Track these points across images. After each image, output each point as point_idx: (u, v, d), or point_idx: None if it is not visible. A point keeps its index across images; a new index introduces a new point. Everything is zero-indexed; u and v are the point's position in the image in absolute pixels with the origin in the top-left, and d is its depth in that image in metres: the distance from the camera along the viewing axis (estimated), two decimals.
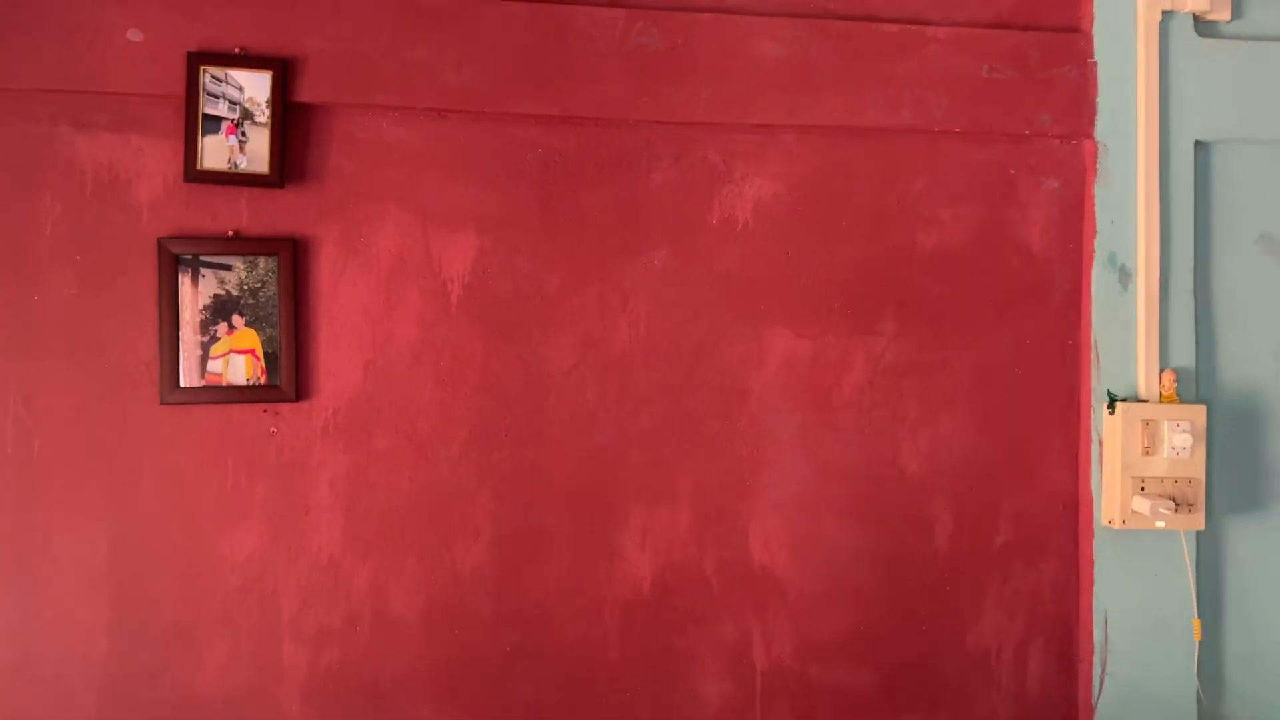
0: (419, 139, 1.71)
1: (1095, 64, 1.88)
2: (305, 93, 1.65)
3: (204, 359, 1.63)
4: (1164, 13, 1.87)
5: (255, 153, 1.63)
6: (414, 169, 1.71)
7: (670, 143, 1.79)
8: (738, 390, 1.80)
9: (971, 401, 1.85)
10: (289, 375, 1.65)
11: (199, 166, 1.62)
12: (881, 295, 1.83)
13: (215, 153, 1.62)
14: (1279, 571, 1.91)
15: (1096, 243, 1.87)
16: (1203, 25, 1.91)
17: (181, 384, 1.62)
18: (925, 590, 1.83)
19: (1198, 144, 1.89)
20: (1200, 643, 1.84)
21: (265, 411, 1.66)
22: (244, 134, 1.63)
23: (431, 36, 1.69)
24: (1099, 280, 1.87)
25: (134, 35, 1.61)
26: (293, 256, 1.66)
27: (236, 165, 1.63)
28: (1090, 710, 1.85)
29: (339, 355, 1.69)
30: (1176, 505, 1.77)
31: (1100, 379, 1.86)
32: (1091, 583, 1.84)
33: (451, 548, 1.72)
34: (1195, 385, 1.87)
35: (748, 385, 1.80)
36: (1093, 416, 1.86)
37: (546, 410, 1.75)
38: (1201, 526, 1.79)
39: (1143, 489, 1.79)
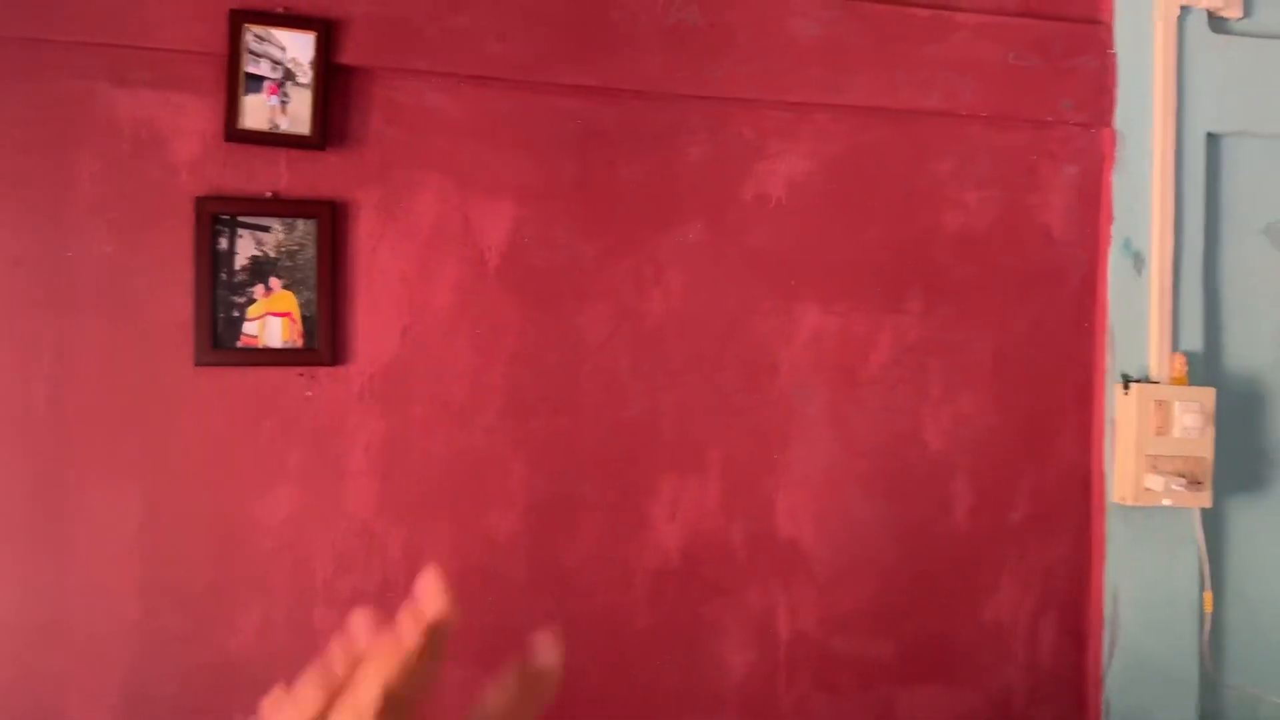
0: (460, 106, 1.71)
1: (1115, 55, 1.93)
2: (348, 55, 1.64)
3: (240, 320, 1.62)
4: (1181, 8, 1.93)
5: (297, 113, 1.62)
6: (454, 136, 1.71)
7: (706, 118, 1.81)
8: (767, 364, 1.82)
9: (992, 380, 1.90)
10: (326, 339, 1.65)
11: (240, 126, 1.60)
12: (908, 274, 1.87)
13: (256, 112, 1.61)
14: (1278, 549, 1.98)
15: (1113, 229, 1.93)
16: (1215, 21, 1.98)
17: (217, 345, 1.61)
18: (945, 564, 1.88)
19: (1209, 136, 1.96)
20: (1207, 614, 1.91)
21: (301, 375, 1.65)
22: (286, 94, 1.61)
23: (475, 4, 1.69)
24: (1115, 265, 1.92)
25: None
26: (331, 219, 1.65)
27: (278, 126, 1.61)
28: (1099, 682, 1.91)
29: (376, 320, 1.68)
30: (1187, 483, 1.83)
31: (1115, 361, 1.91)
32: (1103, 558, 1.90)
33: (486, 515, 1.72)
34: (1203, 369, 1.94)
35: (777, 359, 1.83)
36: (1106, 397, 1.91)
37: (580, 380, 1.76)
38: (1209, 504, 1.86)
39: (1155, 467, 1.85)
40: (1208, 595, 1.89)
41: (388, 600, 1.68)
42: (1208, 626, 1.90)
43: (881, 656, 1.86)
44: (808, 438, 1.83)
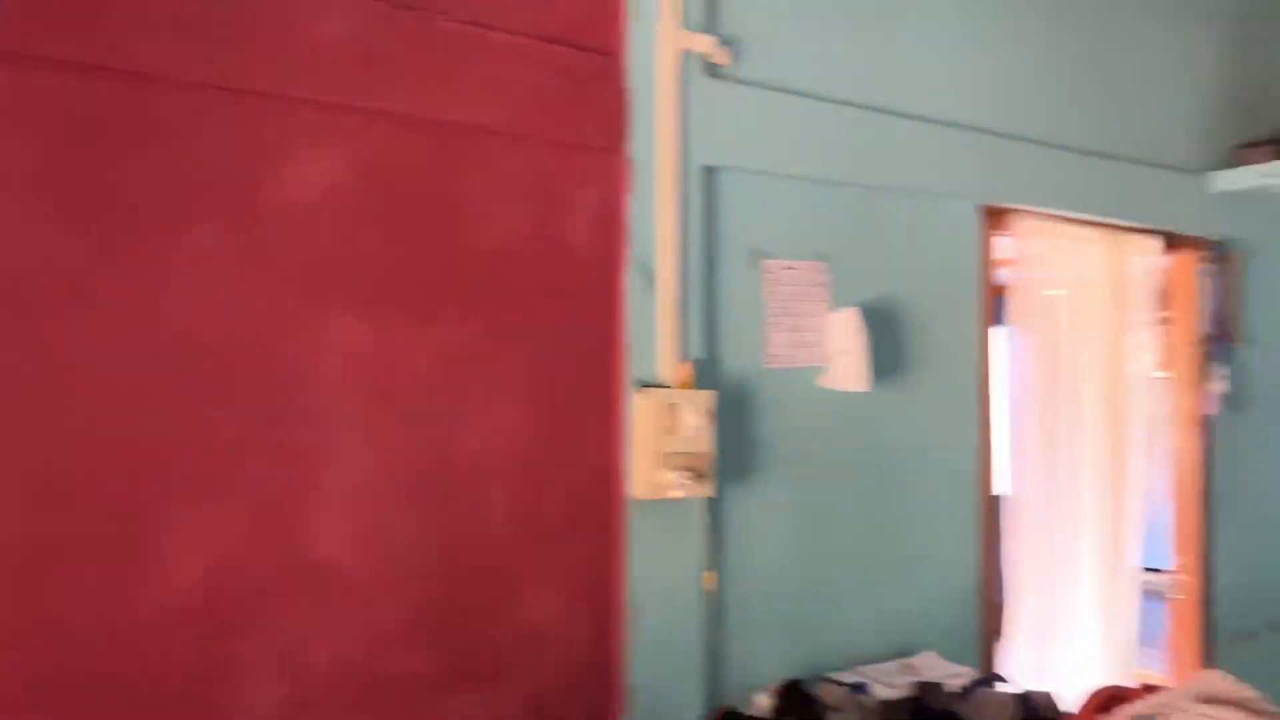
0: None
1: (626, 88, 2.10)
2: None
3: None
4: (684, 51, 2.16)
5: None
6: None
7: (226, 111, 1.66)
8: (297, 377, 1.72)
9: (524, 389, 1.97)
10: None
11: None
12: (443, 285, 1.88)
13: None
14: (765, 529, 2.30)
15: (629, 249, 2.10)
16: (709, 66, 2.23)
17: None
18: (484, 571, 1.91)
19: (707, 169, 2.21)
20: (710, 592, 2.15)
21: None
22: None
23: None
24: (631, 282, 2.10)
25: None
26: None
27: None
28: (621, 666, 2.06)
29: None
30: (693, 476, 2.05)
31: (633, 369, 2.09)
32: (626, 551, 2.06)
33: None
34: (706, 374, 2.18)
35: (308, 371, 1.73)
36: (627, 402, 2.08)
37: (70, 403, 1.52)
38: (712, 493, 2.10)
39: (667, 464, 2.05)
40: (709, 575, 2.14)
41: None
42: (709, 603, 2.15)
43: (422, 671, 1.84)
44: (343, 453, 1.76)
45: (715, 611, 2.20)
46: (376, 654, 1.79)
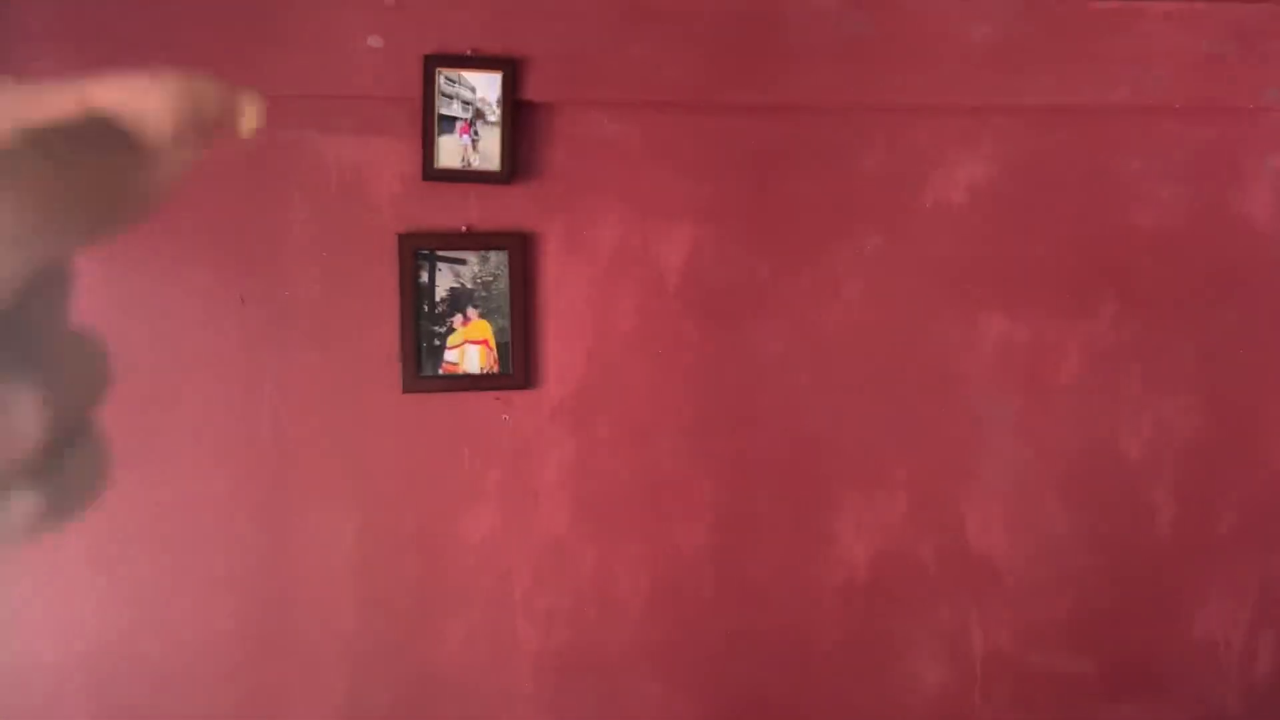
0: (637, 133, 1.76)
1: None
2: (531, 91, 1.71)
3: (441, 349, 1.71)
4: None
5: (487, 151, 1.70)
6: (632, 162, 1.76)
7: (881, 128, 1.79)
8: (952, 375, 1.79)
9: (1194, 384, 1.81)
10: (520, 364, 1.72)
11: (436, 165, 1.69)
12: (1098, 277, 1.81)
13: (450, 152, 1.69)
14: None
15: None
16: None
17: (421, 373, 1.71)
18: (1147, 577, 1.80)
19: None
20: None
21: (498, 399, 1.73)
22: (477, 133, 1.70)
23: (649, 31, 1.73)
24: None
25: (374, 42, 1.69)
26: (521, 250, 1.72)
27: (470, 164, 1.70)
28: None
29: (564, 345, 1.75)
30: None
31: None
32: None
33: (673, 531, 1.76)
34: None
35: (962, 369, 1.79)
36: None
37: (760, 397, 1.78)
38: None
39: None
40: None
41: (581, 614, 1.74)
42: None
43: (1081, 673, 1.80)
44: (997, 449, 1.79)
45: None
46: (1034, 651, 1.79)
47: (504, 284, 1.72)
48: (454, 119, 1.69)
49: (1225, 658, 1.80)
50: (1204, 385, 1.81)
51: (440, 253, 1.71)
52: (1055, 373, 1.80)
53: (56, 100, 0.25)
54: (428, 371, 1.71)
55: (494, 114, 1.69)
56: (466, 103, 1.69)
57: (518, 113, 1.72)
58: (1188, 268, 1.81)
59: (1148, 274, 1.81)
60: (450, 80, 1.69)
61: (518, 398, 1.74)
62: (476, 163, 1.70)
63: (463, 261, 1.71)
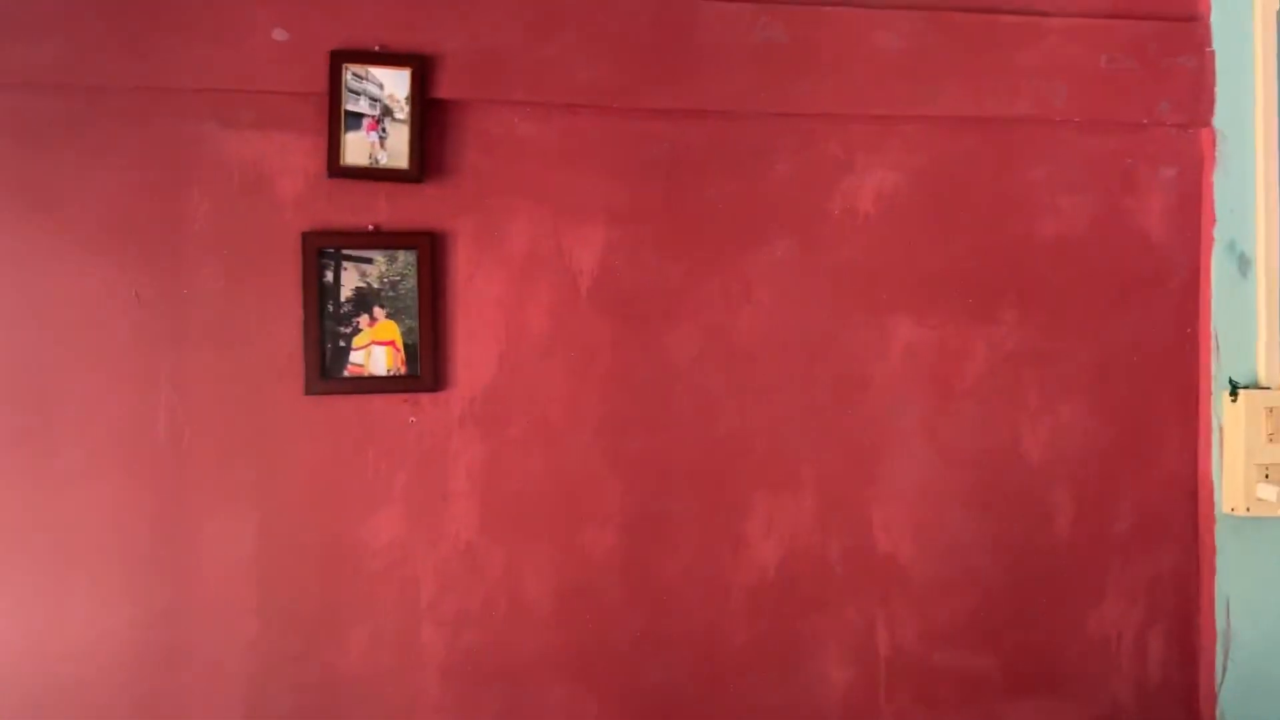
0: (550, 134, 1.75)
1: (1213, 53, 1.88)
2: (443, 89, 1.69)
3: (347, 350, 1.68)
4: None
5: (395, 149, 1.67)
6: (545, 164, 1.75)
7: (793, 135, 1.81)
8: (860, 378, 1.82)
9: (1091, 389, 1.86)
10: (428, 366, 1.69)
11: (341, 162, 1.66)
12: (1001, 284, 1.85)
13: (357, 149, 1.66)
14: None
15: (1215, 230, 1.88)
16: None
17: (325, 375, 1.67)
18: (1046, 576, 1.85)
19: None
20: None
21: (405, 401, 1.70)
22: (384, 130, 1.67)
23: (562, 33, 1.72)
24: (1218, 268, 1.87)
25: (279, 35, 1.65)
26: (431, 250, 1.70)
27: (377, 161, 1.67)
28: (1213, 697, 1.86)
29: (474, 346, 1.73)
30: None
31: (1220, 366, 1.86)
32: (1213, 570, 1.85)
33: (583, 533, 1.75)
34: None
35: (870, 373, 1.82)
36: (1212, 404, 1.86)
37: (672, 399, 1.78)
38: None
39: (1267, 476, 1.80)
40: None
41: (490, 617, 1.72)
42: None
43: (983, 670, 1.84)
44: (903, 452, 1.82)
45: None
46: (938, 649, 1.83)
47: (412, 284, 1.69)
48: (361, 115, 1.66)
49: (1119, 653, 1.86)
50: (1100, 389, 1.86)
51: (346, 251, 1.68)
52: (960, 377, 1.83)
53: None
54: (334, 373, 1.67)
55: (403, 111, 1.67)
56: (374, 99, 1.66)
57: (429, 111, 1.69)
58: (1086, 274, 1.86)
59: (1048, 280, 1.86)
60: (358, 76, 1.66)
61: (426, 400, 1.71)
62: (384, 160, 1.67)
63: (369, 261, 1.68)
